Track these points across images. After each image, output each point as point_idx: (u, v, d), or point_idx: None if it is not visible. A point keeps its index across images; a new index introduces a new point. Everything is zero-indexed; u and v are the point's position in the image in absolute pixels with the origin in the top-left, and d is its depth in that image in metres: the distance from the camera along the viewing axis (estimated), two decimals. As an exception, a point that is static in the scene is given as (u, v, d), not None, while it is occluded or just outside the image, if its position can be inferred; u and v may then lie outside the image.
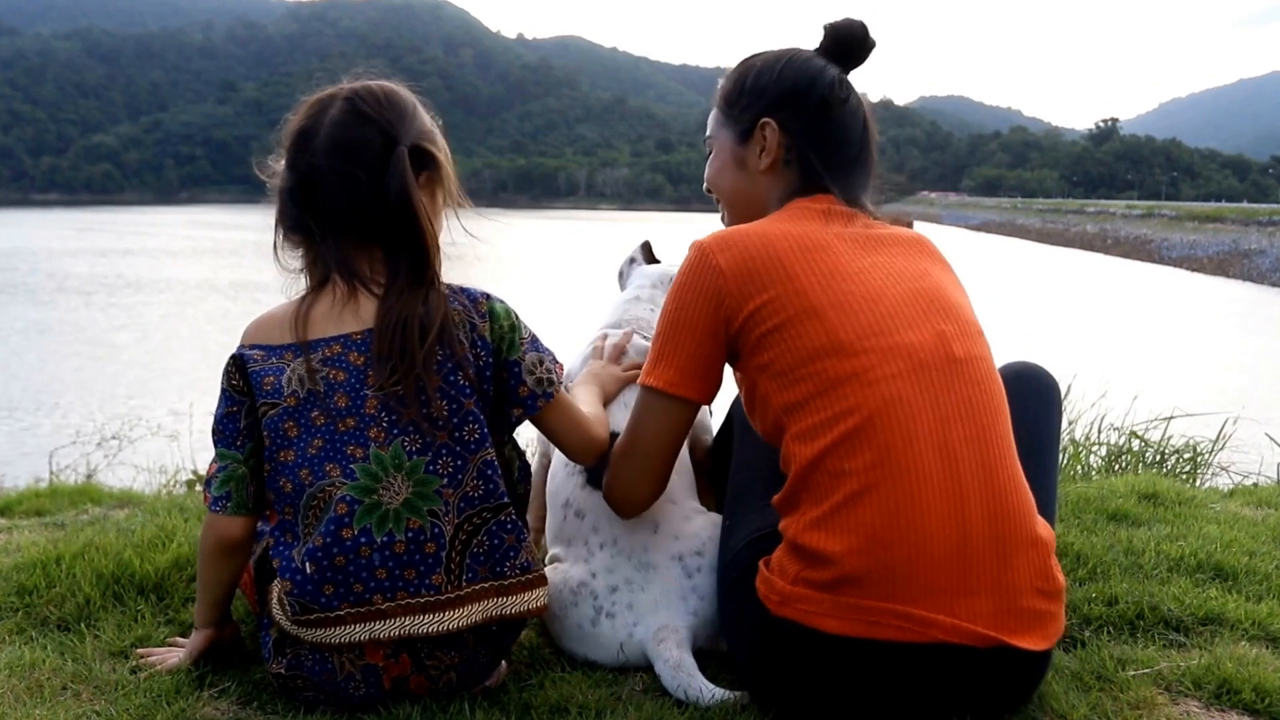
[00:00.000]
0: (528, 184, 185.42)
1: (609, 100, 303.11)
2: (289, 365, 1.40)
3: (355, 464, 1.37)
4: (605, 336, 1.92)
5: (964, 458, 1.28)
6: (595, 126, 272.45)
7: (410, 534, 1.38)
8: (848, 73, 1.54)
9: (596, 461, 1.59)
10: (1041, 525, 1.35)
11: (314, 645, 1.39)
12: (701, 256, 1.41)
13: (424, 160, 1.46)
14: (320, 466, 1.37)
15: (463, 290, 1.46)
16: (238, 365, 1.43)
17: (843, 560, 1.25)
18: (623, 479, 1.53)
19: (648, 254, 2.14)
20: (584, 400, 1.67)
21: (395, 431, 1.38)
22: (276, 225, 1.47)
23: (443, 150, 1.50)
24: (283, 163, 1.47)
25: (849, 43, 1.53)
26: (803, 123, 1.51)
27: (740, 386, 1.49)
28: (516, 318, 1.49)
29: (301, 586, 1.36)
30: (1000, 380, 1.40)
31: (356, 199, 1.41)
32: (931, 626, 1.23)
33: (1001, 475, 1.30)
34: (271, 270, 1.49)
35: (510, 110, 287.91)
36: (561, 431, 1.55)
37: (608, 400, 1.77)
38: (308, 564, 1.36)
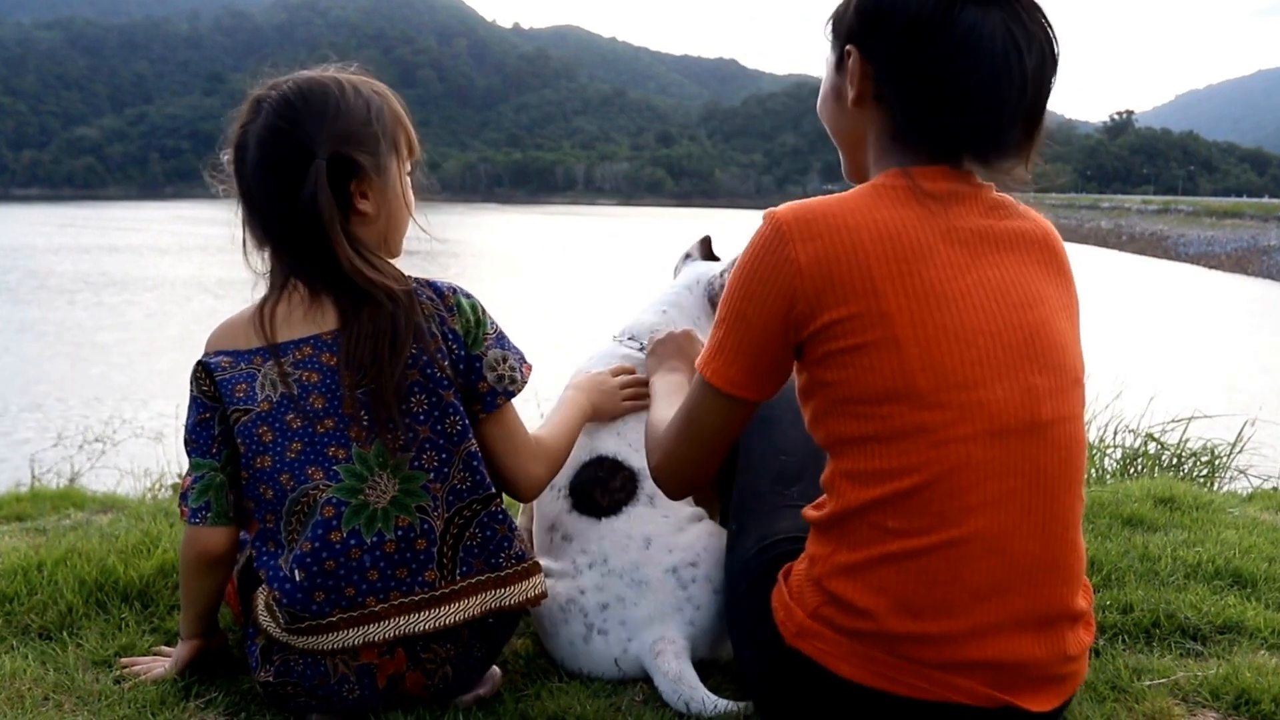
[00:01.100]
0: (524, 178, 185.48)
1: (608, 92, 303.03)
2: (260, 370, 1.40)
3: (338, 465, 1.38)
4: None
5: (1020, 534, 1.20)
6: (594, 119, 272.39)
7: (400, 532, 1.38)
8: None
9: (527, 499, 1.53)
10: (1083, 594, 1.30)
11: (305, 650, 1.39)
12: (779, 240, 1.23)
13: (350, 168, 1.42)
14: (301, 470, 1.38)
15: (430, 284, 1.47)
16: (206, 372, 1.42)
17: (869, 618, 1.22)
18: (675, 463, 1.42)
19: (706, 251, 2.05)
20: (559, 416, 1.63)
21: (376, 429, 1.38)
22: (243, 225, 1.47)
23: (373, 151, 1.44)
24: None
25: None
26: (885, 52, 1.27)
27: (795, 378, 1.37)
28: (483, 313, 1.49)
29: (291, 595, 1.36)
30: (1084, 439, 1.30)
31: (288, 217, 1.40)
32: (950, 689, 1.21)
33: (1055, 551, 1.23)
34: (260, 268, 1.49)
35: (506, 102, 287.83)
36: (497, 451, 1.48)
37: (597, 419, 1.71)
38: (297, 571, 1.36)
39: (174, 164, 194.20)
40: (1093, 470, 3.86)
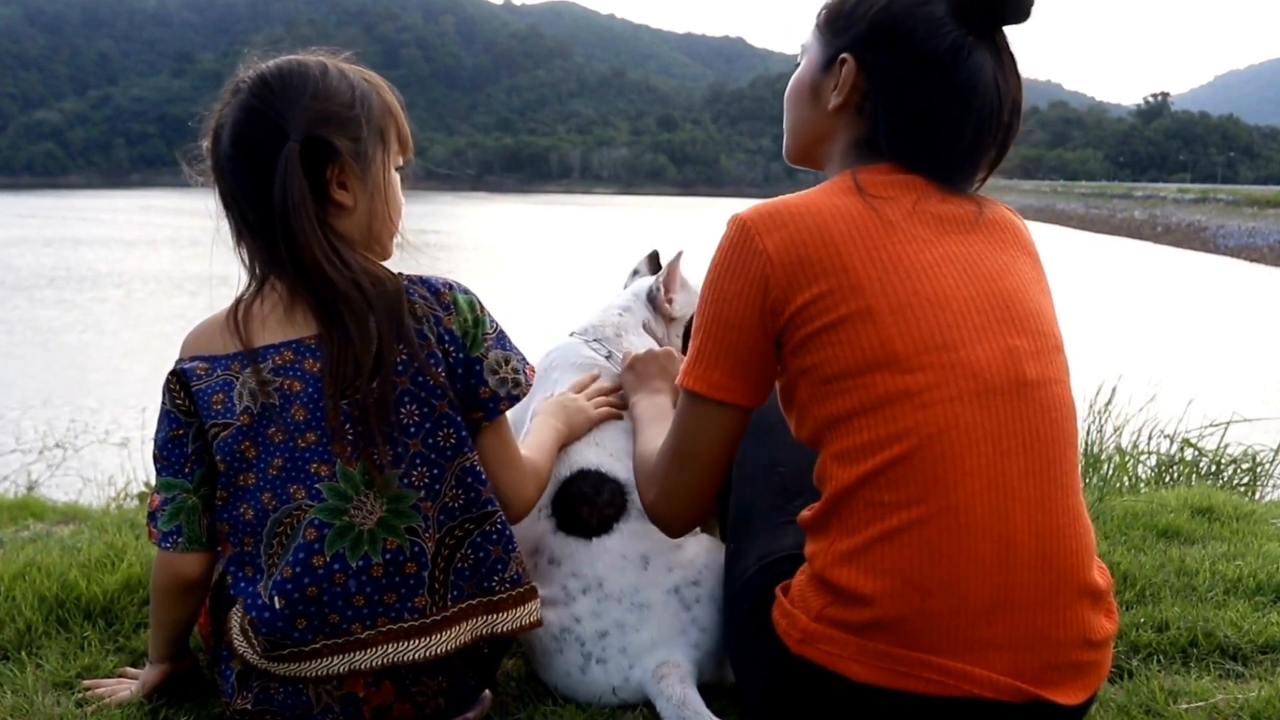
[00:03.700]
0: (516, 165, 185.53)
1: (605, 73, 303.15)
2: (237, 378, 1.38)
3: (321, 483, 1.36)
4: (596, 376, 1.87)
5: (1019, 497, 1.23)
6: (590, 102, 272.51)
7: (388, 556, 1.37)
8: (980, 35, 1.34)
9: (515, 520, 1.52)
10: (1098, 569, 1.31)
11: (286, 678, 1.38)
12: (744, 236, 1.32)
13: (326, 152, 1.41)
14: (284, 489, 1.36)
15: (423, 281, 1.45)
16: (180, 382, 1.40)
17: (874, 604, 1.23)
18: (671, 494, 1.45)
19: (654, 266, 2.10)
20: (533, 440, 1.61)
21: (362, 444, 1.37)
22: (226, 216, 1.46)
23: (354, 136, 1.43)
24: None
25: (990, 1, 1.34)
26: (887, 75, 1.36)
27: (777, 383, 1.42)
28: (481, 310, 1.47)
29: (271, 624, 1.35)
30: (1073, 405, 1.35)
31: (261, 205, 1.39)
32: (966, 680, 1.21)
33: (1060, 518, 1.26)
34: (237, 263, 1.49)
35: (497, 84, 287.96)
36: (490, 465, 1.46)
37: (572, 440, 1.71)
38: (277, 598, 1.35)
39: (140, 150, 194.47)
40: (1125, 478, 3.86)
